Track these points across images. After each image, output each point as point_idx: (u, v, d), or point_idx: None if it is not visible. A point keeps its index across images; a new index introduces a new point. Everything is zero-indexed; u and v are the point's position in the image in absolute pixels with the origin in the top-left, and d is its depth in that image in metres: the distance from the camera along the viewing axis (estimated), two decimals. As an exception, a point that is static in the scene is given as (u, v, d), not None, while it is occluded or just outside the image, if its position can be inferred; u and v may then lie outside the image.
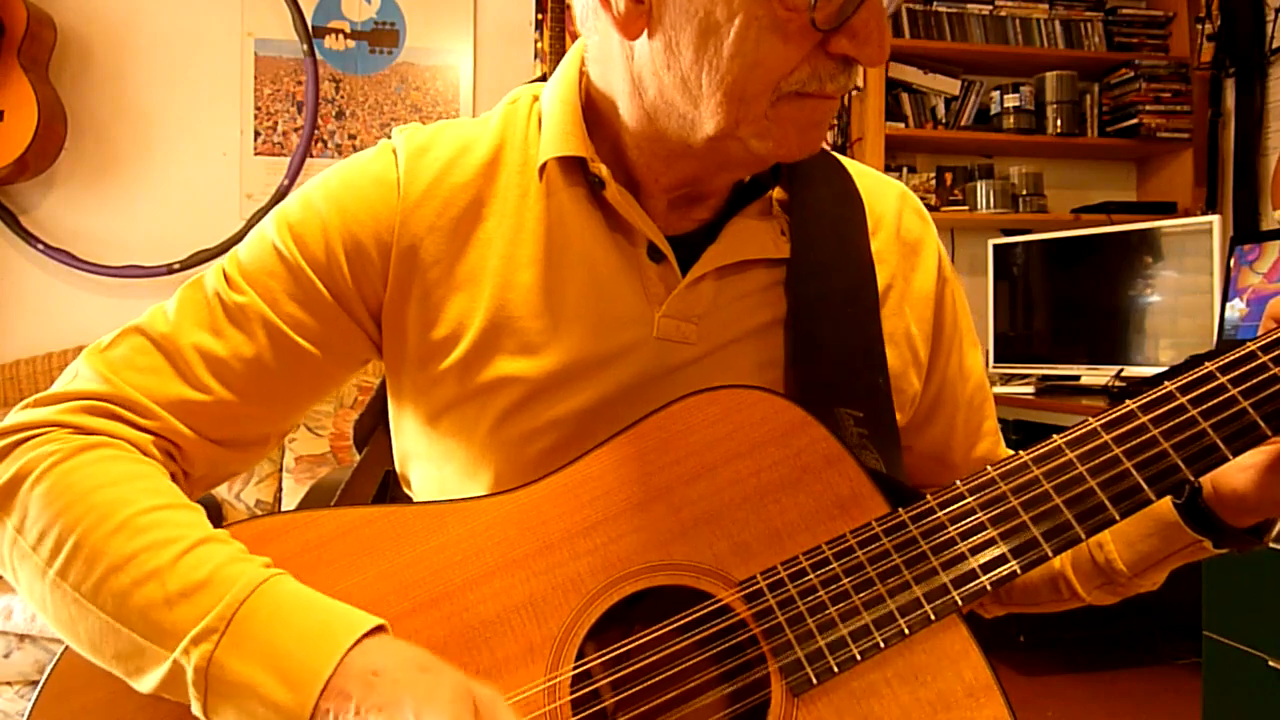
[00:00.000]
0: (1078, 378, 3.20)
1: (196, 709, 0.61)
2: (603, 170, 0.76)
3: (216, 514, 2.84)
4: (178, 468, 0.76)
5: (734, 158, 0.74)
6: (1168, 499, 0.78)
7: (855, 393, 0.78)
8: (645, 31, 0.70)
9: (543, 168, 0.78)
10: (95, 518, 0.66)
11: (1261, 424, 0.68)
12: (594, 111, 0.79)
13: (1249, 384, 0.69)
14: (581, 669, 0.67)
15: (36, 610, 0.68)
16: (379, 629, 0.63)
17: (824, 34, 0.66)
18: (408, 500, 0.88)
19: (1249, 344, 0.70)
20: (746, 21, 0.65)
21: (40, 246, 3.15)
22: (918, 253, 0.86)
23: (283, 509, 2.91)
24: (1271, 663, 2.10)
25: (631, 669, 0.68)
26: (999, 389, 3.32)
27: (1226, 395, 0.69)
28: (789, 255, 0.80)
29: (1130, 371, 3.03)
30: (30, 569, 0.67)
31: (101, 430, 0.72)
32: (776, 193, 0.82)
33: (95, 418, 0.72)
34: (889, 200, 0.87)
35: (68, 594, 0.65)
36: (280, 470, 2.97)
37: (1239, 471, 0.73)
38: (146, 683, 0.63)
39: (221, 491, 2.90)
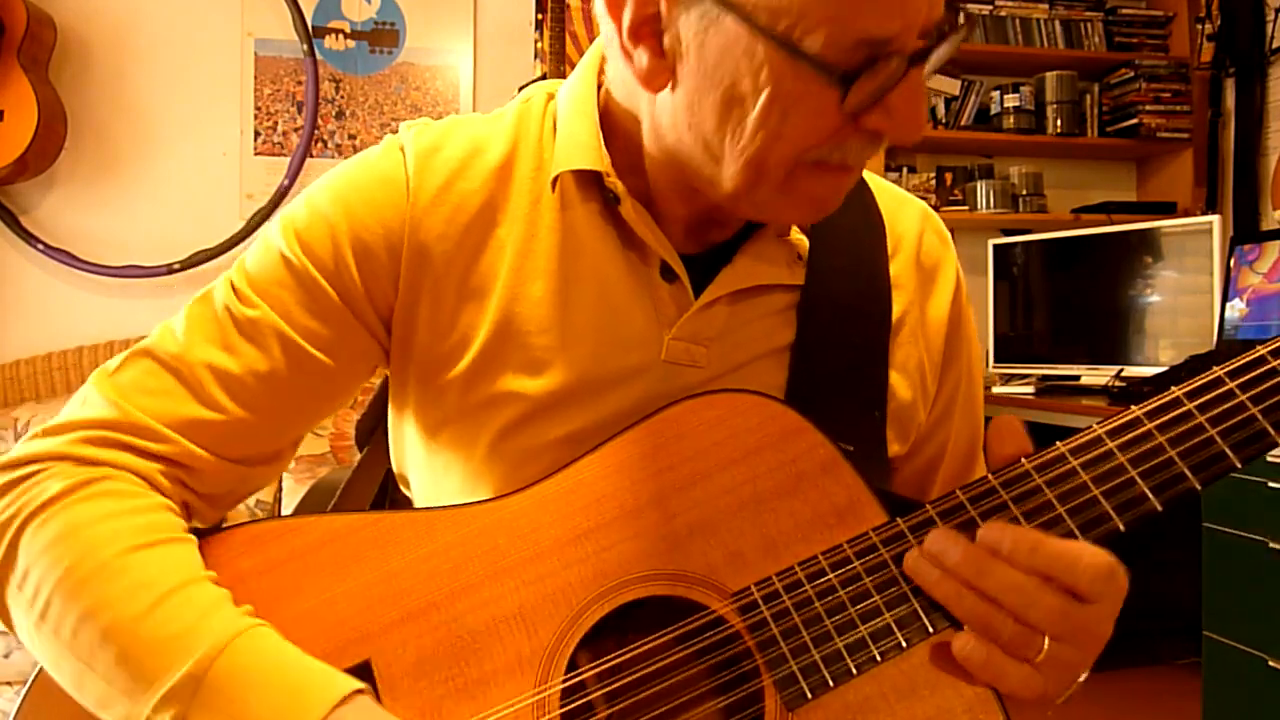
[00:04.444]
0: (1078, 378, 3.19)
1: None
2: (619, 186, 0.74)
3: (216, 514, 2.83)
4: (190, 494, 0.74)
5: (746, 214, 0.73)
6: None
7: (849, 426, 0.76)
8: (669, 85, 0.68)
9: (556, 179, 0.76)
10: (74, 558, 0.65)
11: (1271, 431, 0.66)
12: (613, 125, 0.77)
13: (1258, 389, 0.67)
14: (573, 681, 0.66)
15: (32, 653, 0.67)
16: (357, 692, 0.62)
17: (853, 114, 0.64)
18: (408, 501, 0.88)
19: (1258, 348, 0.68)
20: (772, 97, 0.63)
21: (40, 246, 3.14)
22: (935, 279, 0.84)
23: (282, 509, 2.91)
24: (1271, 663, 2.10)
25: (623, 681, 0.67)
26: (999, 389, 3.32)
27: (1234, 401, 0.67)
28: (803, 282, 0.78)
29: (1130, 371, 3.03)
30: (19, 611, 0.67)
31: (105, 461, 0.70)
32: None
33: (100, 448, 0.70)
34: (910, 221, 0.85)
35: (49, 638, 0.64)
36: (280, 470, 2.97)
37: None
38: None
39: (221, 492, 2.89)
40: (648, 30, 0.66)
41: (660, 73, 0.67)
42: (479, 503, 0.72)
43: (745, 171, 0.67)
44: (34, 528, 0.67)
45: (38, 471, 0.69)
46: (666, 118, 0.70)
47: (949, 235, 0.88)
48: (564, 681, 0.66)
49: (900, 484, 0.87)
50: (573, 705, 0.66)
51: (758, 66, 0.62)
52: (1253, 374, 0.67)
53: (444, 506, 0.72)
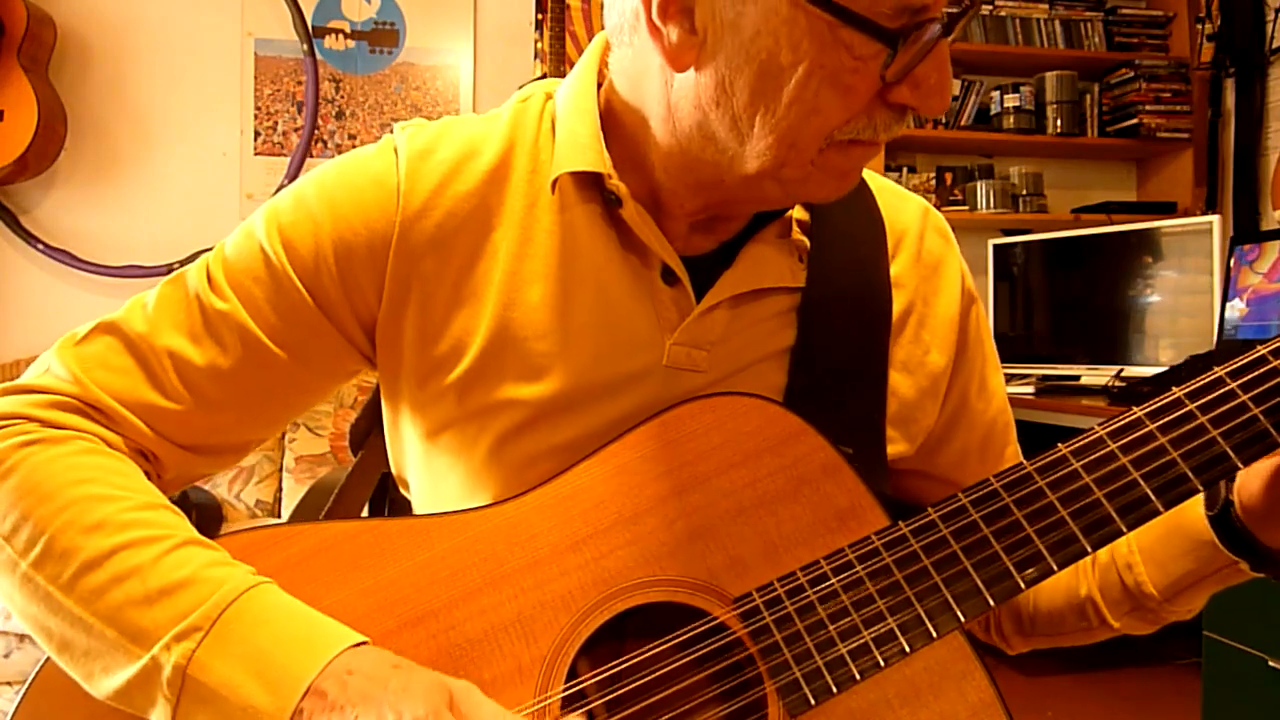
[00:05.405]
0: (1078, 378, 3.19)
1: (163, 714, 0.60)
2: (620, 188, 0.73)
3: (217, 514, 2.83)
4: (151, 467, 0.74)
5: (767, 194, 0.71)
6: (1202, 517, 0.74)
7: (849, 429, 0.75)
8: (695, 64, 0.67)
9: (555, 181, 0.75)
10: (72, 513, 0.64)
11: (1273, 431, 0.65)
12: (615, 122, 0.76)
13: (1260, 390, 0.66)
14: (573, 689, 0.66)
15: (5, 604, 0.66)
16: (362, 644, 0.62)
17: (886, 84, 0.64)
18: (406, 503, 0.87)
19: (1259, 348, 0.68)
20: (811, 69, 0.63)
21: (40, 246, 3.14)
22: (939, 274, 0.83)
23: (282, 509, 2.91)
24: (1271, 663, 2.09)
25: (625, 689, 0.66)
26: (999, 389, 3.31)
27: (1236, 402, 0.66)
28: (804, 284, 0.78)
29: (1130, 371, 3.02)
30: (0, 562, 0.66)
31: (72, 426, 0.70)
32: (796, 212, 0.79)
33: (66, 414, 0.70)
34: (910, 220, 0.84)
35: (39, 589, 0.63)
36: (280, 470, 2.97)
37: (1254, 476, 0.70)
38: (109, 684, 0.61)
39: (221, 491, 2.89)
40: (677, 7, 0.66)
41: (689, 49, 0.66)
42: (476, 509, 0.71)
43: (776, 148, 0.66)
44: (15, 481, 0.66)
45: (4, 427, 0.69)
46: (688, 99, 0.69)
47: (951, 232, 0.87)
48: (564, 690, 0.65)
49: (931, 485, 0.86)
50: (575, 713, 0.65)
51: (799, 36, 0.63)
52: (1254, 374, 0.67)
53: (441, 513, 0.71)
